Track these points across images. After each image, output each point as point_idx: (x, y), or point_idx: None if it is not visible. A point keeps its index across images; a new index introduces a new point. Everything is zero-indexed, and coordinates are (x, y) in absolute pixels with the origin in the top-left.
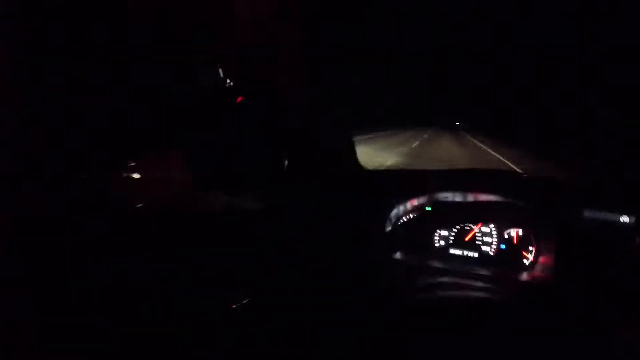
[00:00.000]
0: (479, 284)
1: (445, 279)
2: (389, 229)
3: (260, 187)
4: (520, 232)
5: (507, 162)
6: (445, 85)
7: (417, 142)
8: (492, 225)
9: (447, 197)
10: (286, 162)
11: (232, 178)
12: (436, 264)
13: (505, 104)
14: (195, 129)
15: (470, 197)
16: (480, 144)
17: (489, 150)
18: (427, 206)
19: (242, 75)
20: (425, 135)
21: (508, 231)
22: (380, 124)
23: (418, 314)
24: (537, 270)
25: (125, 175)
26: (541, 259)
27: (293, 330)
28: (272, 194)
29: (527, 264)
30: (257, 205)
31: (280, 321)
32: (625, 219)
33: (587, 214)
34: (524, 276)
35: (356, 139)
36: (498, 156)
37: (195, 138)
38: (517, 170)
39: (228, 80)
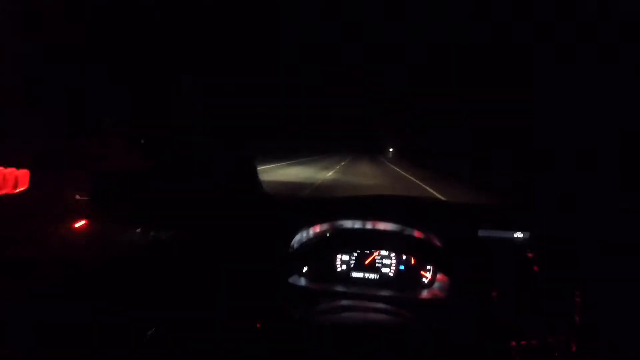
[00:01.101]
0: (381, 305)
1: (347, 302)
2: (291, 254)
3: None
4: (418, 253)
5: (414, 179)
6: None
7: (344, 162)
8: (391, 249)
9: (347, 225)
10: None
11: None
12: (338, 287)
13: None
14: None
15: (369, 225)
16: (391, 165)
17: (396, 169)
18: (329, 233)
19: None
20: (349, 158)
21: (407, 253)
22: (300, 153)
23: (321, 338)
24: (436, 288)
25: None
26: (439, 277)
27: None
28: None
29: (425, 282)
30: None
31: (188, 348)
32: (519, 235)
33: (482, 233)
34: (424, 294)
35: (290, 162)
36: (406, 174)
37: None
38: (421, 185)
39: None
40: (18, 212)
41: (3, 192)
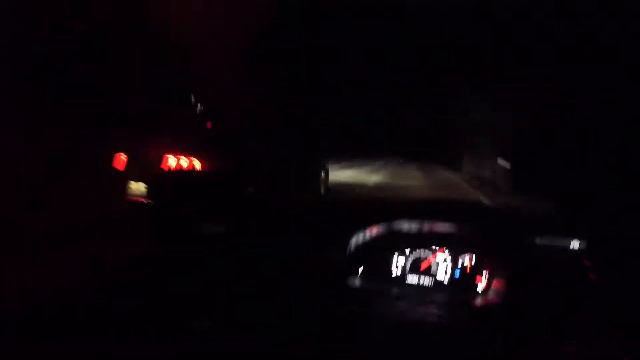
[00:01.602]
0: (434, 309)
1: (402, 304)
2: (348, 256)
3: (224, 212)
4: (473, 258)
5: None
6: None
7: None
8: (446, 253)
9: (404, 227)
10: (252, 190)
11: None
12: (393, 290)
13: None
14: None
15: (426, 227)
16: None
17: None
18: (386, 235)
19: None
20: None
21: (462, 258)
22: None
23: (375, 339)
24: (491, 295)
25: None
26: (494, 284)
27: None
28: (236, 218)
29: (480, 289)
30: (221, 229)
31: (241, 347)
32: (575, 243)
33: (540, 240)
34: (478, 301)
35: (341, 164)
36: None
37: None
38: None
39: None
40: None
41: None
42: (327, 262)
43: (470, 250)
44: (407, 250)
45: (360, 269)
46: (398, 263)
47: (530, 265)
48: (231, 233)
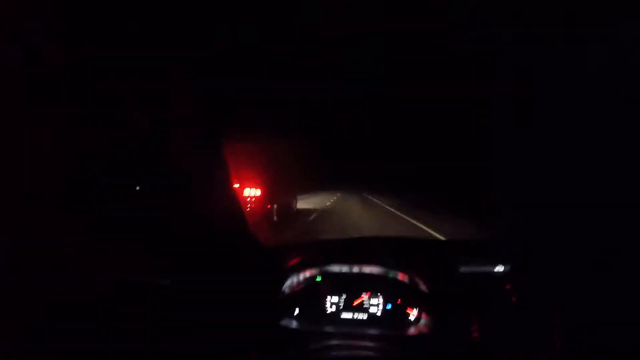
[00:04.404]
0: (369, 343)
1: (337, 342)
2: (282, 298)
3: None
4: (403, 293)
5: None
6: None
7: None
8: (377, 291)
9: (335, 269)
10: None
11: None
12: (329, 328)
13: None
14: None
15: (356, 269)
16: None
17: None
18: (318, 277)
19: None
20: (339, 194)
21: (392, 294)
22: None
23: None
24: (422, 325)
25: None
26: (424, 315)
27: None
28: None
29: (412, 319)
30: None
31: None
32: (499, 268)
33: (463, 269)
34: (411, 331)
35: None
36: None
37: None
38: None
39: None
40: None
41: None
42: (260, 304)
43: (398, 288)
44: (340, 290)
45: (296, 311)
46: (332, 301)
47: (456, 293)
48: (175, 286)
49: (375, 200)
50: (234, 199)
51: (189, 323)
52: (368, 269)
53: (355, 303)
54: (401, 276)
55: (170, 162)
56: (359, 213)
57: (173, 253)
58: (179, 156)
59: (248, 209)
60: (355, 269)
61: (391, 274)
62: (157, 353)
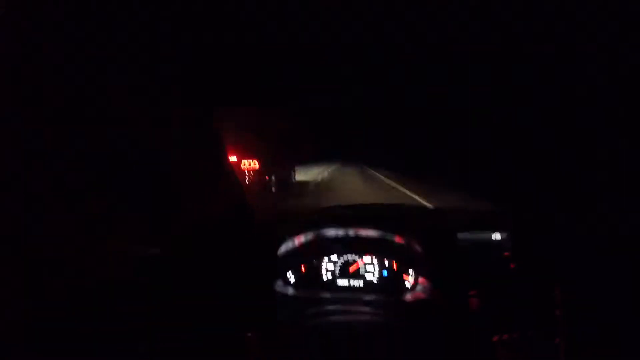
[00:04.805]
0: (366, 309)
1: (333, 307)
2: (276, 262)
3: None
4: (399, 258)
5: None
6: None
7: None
8: (373, 256)
9: (331, 233)
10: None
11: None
12: (325, 294)
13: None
14: None
15: (352, 233)
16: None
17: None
18: (314, 242)
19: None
20: (335, 166)
21: (389, 259)
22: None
23: (310, 341)
24: (419, 291)
25: None
26: (420, 280)
27: None
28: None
29: (408, 286)
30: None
31: None
32: (497, 236)
33: (461, 235)
34: (407, 297)
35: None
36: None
37: None
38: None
39: None
40: None
41: None
42: (255, 270)
43: (395, 252)
44: (336, 256)
45: (290, 275)
46: (327, 268)
47: (453, 259)
48: (166, 254)
49: (375, 173)
50: (231, 173)
51: (183, 296)
52: (364, 233)
53: (352, 270)
54: (398, 239)
55: (164, 137)
56: (357, 184)
57: (167, 223)
58: (172, 132)
59: (246, 181)
60: (351, 233)
61: (388, 238)
62: (150, 337)
